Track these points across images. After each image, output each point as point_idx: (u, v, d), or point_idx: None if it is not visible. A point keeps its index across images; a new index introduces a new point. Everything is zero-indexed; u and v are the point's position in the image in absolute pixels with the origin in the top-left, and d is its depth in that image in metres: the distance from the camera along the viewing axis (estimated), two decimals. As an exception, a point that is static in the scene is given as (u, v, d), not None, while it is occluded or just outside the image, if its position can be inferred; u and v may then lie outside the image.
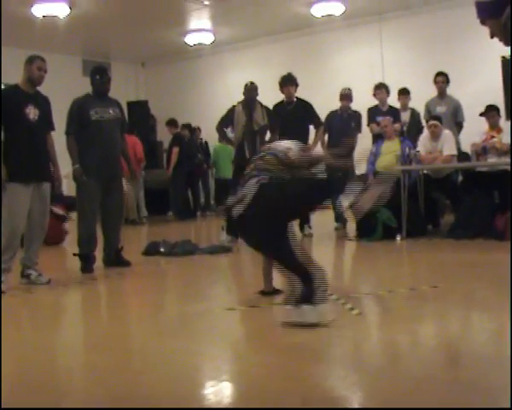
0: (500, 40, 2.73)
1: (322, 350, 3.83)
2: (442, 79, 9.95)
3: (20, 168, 6.15)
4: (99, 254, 7.31)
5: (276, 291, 5.17)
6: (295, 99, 9.38)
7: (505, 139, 8.45)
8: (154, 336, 4.27)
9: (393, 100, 10.41)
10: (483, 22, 2.77)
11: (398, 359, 3.61)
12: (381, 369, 3.39)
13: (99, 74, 7.35)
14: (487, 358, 3.42)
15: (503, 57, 11.46)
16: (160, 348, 3.96)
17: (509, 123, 9.39)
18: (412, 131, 10.03)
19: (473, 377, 3.12)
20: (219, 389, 3.18)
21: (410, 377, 3.19)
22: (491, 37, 2.76)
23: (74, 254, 7.17)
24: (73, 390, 3.34)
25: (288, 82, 9.29)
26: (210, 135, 14.28)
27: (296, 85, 9.35)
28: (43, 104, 6.49)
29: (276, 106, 9.40)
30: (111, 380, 3.36)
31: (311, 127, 9.59)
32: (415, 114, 10.31)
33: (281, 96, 9.47)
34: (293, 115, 9.20)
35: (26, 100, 6.28)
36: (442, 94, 9.96)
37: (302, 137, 9.31)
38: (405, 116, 10.24)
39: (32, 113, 6.28)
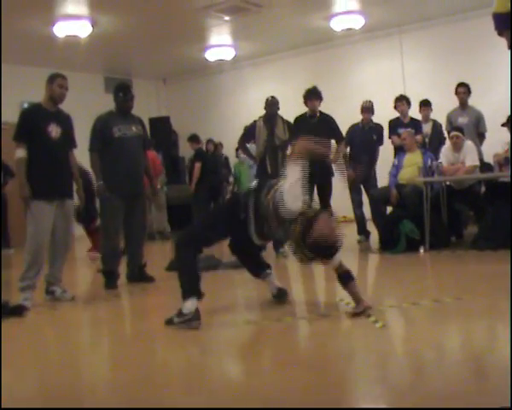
0: None
1: (346, 363, 3.82)
2: (463, 90, 9.93)
3: (44, 186, 6.22)
4: (123, 270, 7.36)
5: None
6: (318, 113, 9.37)
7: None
8: (178, 351, 4.29)
9: (414, 112, 10.40)
10: (500, 34, 2.79)
11: (423, 372, 3.60)
12: (406, 382, 3.38)
13: (122, 92, 7.40)
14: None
15: (525, 67, 11.40)
16: (183, 362, 3.97)
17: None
18: (434, 143, 10.02)
19: (497, 389, 3.11)
20: (245, 403, 3.19)
21: (434, 389, 3.18)
22: (509, 47, 2.78)
23: (98, 271, 7.22)
24: (97, 406, 3.36)
25: (312, 96, 9.26)
26: (231, 150, 14.36)
27: (321, 99, 9.32)
28: (66, 122, 6.55)
29: (298, 119, 9.39)
30: (135, 395, 3.38)
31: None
32: (436, 126, 10.29)
33: (302, 110, 9.46)
34: (316, 129, 9.15)
35: (49, 118, 6.35)
36: (464, 105, 9.94)
37: (325, 150, 9.33)
38: (427, 128, 10.22)
39: (55, 131, 6.35)
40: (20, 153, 6.22)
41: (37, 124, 6.29)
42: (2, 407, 3.12)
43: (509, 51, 2.87)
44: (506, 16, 2.75)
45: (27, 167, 6.19)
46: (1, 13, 9.85)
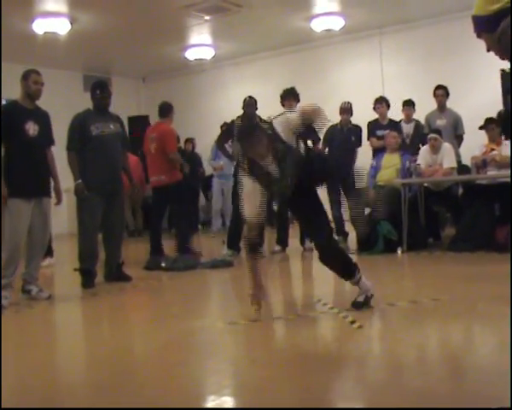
0: (496, 54, 2.76)
1: (324, 364, 3.82)
2: (442, 93, 9.97)
3: (21, 184, 6.16)
4: (100, 269, 7.32)
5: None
6: (295, 113, 9.36)
7: (505, 152, 8.47)
8: (156, 351, 4.27)
9: (394, 113, 10.43)
10: (479, 36, 2.80)
11: (400, 372, 3.61)
12: (383, 382, 3.39)
13: (99, 89, 7.37)
14: (489, 370, 3.42)
15: (503, 70, 11.48)
16: (161, 362, 3.96)
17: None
18: (416, 143, 10.02)
19: (474, 388, 3.12)
20: (220, 403, 3.19)
21: (412, 389, 3.19)
22: (488, 50, 2.79)
23: (75, 270, 7.18)
24: (75, 406, 3.33)
25: (290, 96, 9.26)
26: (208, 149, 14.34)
27: (298, 100, 9.34)
28: (43, 119, 6.50)
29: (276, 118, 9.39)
30: (113, 394, 3.36)
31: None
32: (419, 126, 10.30)
33: (281, 111, 9.45)
34: (293, 130, 9.19)
35: (26, 116, 6.30)
36: (442, 107, 9.98)
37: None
38: (409, 128, 10.22)
39: (32, 128, 6.29)
40: None
41: (14, 121, 6.23)
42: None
43: (488, 55, 2.89)
44: (485, 19, 2.76)
45: (4, 165, 6.14)
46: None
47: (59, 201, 6.71)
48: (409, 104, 10.43)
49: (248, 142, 4.77)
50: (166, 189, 8.80)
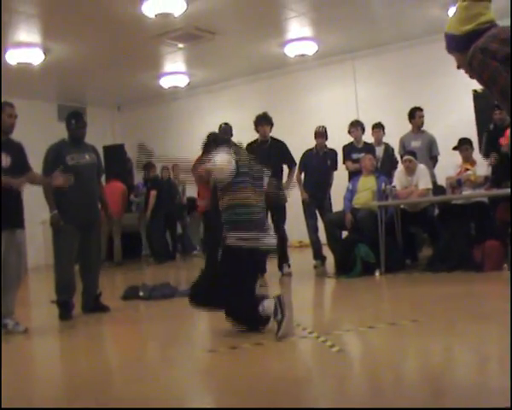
0: (466, 72, 2.80)
1: (303, 388, 3.81)
2: (422, 114, 9.96)
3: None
4: (78, 300, 7.26)
5: None
6: (269, 139, 9.41)
7: (479, 171, 8.54)
8: (135, 383, 4.23)
9: (368, 136, 10.47)
10: (450, 53, 2.84)
11: (380, 394, 3.60)
12: (363, 405, 3.37)
13: (75, 119, 7.33)
14: (469, 388, 3.43)
15: (475, 91, 11.63)
16: (141, 393, 3.92)
17: (480, 155, 9.48)
18: (386, 166, 10.06)
19: (455, 408, 3.12)
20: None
21: (391, 413, 3.19)
22: (458, 67, 2.83)
23: (52, 302, 7.10)
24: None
25: (263, 121, 9.32)
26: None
27: (271, 125, 9.38)
28: (16, 151, 6.43)
29: (250, 145, 9.42)
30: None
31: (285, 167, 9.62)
32: (389, 149, 10.34)
33: (256, 137, 9.50)
34: (268, 155, 9.20)
35: None
36: (419, 128, 9.98)
37: (276, 176, 9.34)
38: (379, 151, 10.23)
39: (4, 160, 6.21)
40: None
41: None
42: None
43: (461, 75, 2.93)
44: (457, 38, 2.80)
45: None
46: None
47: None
48: (378, 127, 10.45)
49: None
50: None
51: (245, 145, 9.30)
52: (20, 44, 11.47)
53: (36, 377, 4.90)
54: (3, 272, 6.18)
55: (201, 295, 5.35)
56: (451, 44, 2.87)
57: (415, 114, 10.01)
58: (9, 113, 6.31)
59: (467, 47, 2.74)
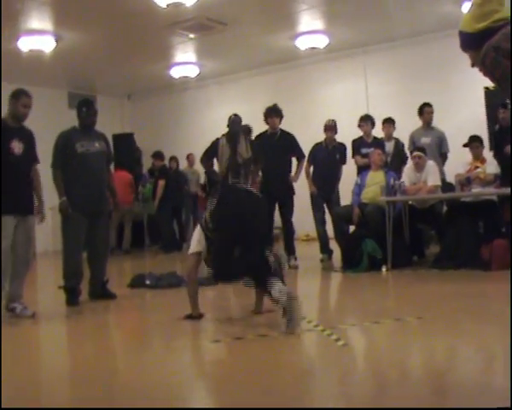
0: (480, 70, 2.79)
1: (308, 382, 3.82)
2: (431, 110, 9.98)
3: (5, 201, 6.12)
4: (85, 286, 7.29)
5: (201, 316, 5.66)
6: (279, 130, 9.42)
7: (489, 170, 8.52)
8: (140, 371, 4.25)
9: (378, 131, 10.46)
10: (464, 51, 2.84)
11: (384, 389, 3.61)
12: (368, 400, 3.39)
13: (86, 107, 7.35)
14: (472, 387, 3.43)
15: (487, 88, 11.58)
16: (146, 382, 3.94)
17: (491, 153, 9.45)
18: (396, 162, 10.06)
19: (458, 405, 3.13)
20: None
21: (396, 406, 3.19)
22: (472, 65, 2.83)
23: (60, 287, 7.14)
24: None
25: (272, 113, 9.33)
26: (197, 166, 14.33)
27: (281, 117, 9.39)
28: (28, 138, 6.49)
29: (260, 136, 9.43)
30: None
31: (294, 159, 9.63)
32: (399, 145, 10.33)
33: (265, 129, 9.51)
34: (277, 147, 9.22)
35: (12, 135, 6.29)
36: (428, 125, 9.99)
37: (285, 168, 9.35)
38: (389, 146, 10.23)
39: (17, 147, 6.29)
40: None
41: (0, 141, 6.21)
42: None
43: (471, 73, 2.93)
44: (471, 36, 2.80)
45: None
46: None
47: (41, 219, 6.69)
48: (389, 122, 10.44)
49: None
50: None
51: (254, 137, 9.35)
52: (32, 32, 11.50)
53: (42, 362, 4.93)
54: (13, 256, 6.23)
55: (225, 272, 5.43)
56: (465, 42, 2.86)
57: (423, 110, 10.01)
58: (25, 103, 6.36)
59: (481, 45, 2.73)
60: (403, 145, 10.34)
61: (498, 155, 9.09)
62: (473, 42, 2.81)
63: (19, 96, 6.35)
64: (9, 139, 6.27)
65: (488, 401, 3.08)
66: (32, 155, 6.57)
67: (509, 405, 2.80)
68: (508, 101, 9.11)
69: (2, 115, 6.46)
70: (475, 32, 2.79)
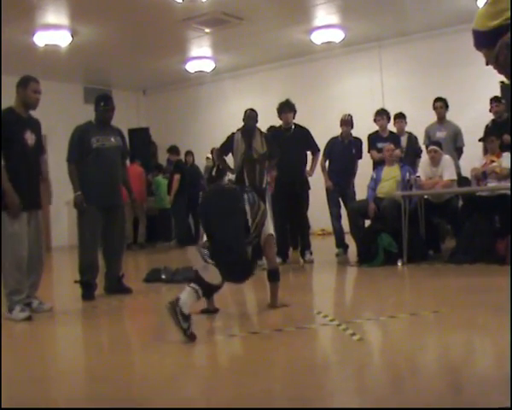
0: (494, 68, 2.78)
1: (323, 376, 3.82)
2: (440, 105, 10.00)
3: (22, 196, 5.97)
4: (100, 281, 7.32)
5: (216, 310, 5.69)
6: (293, 125, 9.41)
7: (505, 164, 8.48)
8: (157, 365, 4.26)
9: (392, 126, 10.43)
10: (478, 49, 2.83)
11: (400, 384, 3.60)
12: (383, 395, 3.38)
13: (104, 102, 7.35)
14: (488, 382, 3.42)
15: (502, 83, 11.50)
16: (162, 376, 3.95)
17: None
18: (409, 156, 10.04)
19: (474, 400, 3.12)
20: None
21: (412, 401, 3.19)
22: (487, 64, 2.82)
23: (75, 282, 7.16)
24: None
25: (285, 108, 9.32)
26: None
27: (294, 112, 9.39)
28: (37, 128, 6.38)
29: (274, 131, 9.43)
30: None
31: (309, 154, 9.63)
32: (411, 139, 10.31)
33: (279, 123, 9.51)
34: (292, 142, 9.22)
35: (24, 125, 6.16)
36: (441, 119, 10.01)
37: (300, 163, 9.35)
38: (402, 141, 10.21)
39: (30, 139, 6.18)
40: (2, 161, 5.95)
41: (13, 131, 6.05)
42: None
43: (487, 67, 2.91)
44: (485, 34, 2.78)
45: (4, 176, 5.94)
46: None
47: (49, 201, 6.63)
48: (400, 117, 10.43)
49: None
50: None
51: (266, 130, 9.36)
52: (48, 26, 11.55)
53: (58, 356, 4.95)
54: (28, 252, 6.17)
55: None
56: (479, 41, 2.85)
57: (434, 105, 10.02)
58: (34, 88, 6.19)
59: (494, 43, 2.72)
60: (416, 138, 10.32)
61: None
62: (486, 40, 2.79)
63: (27, 82, 6.18)
64: (23, 130, 6.11)
65: (504, 395, 3.06)
66: (42, 145, 6.52)
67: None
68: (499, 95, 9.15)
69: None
70: (488, 30, 2.78)
